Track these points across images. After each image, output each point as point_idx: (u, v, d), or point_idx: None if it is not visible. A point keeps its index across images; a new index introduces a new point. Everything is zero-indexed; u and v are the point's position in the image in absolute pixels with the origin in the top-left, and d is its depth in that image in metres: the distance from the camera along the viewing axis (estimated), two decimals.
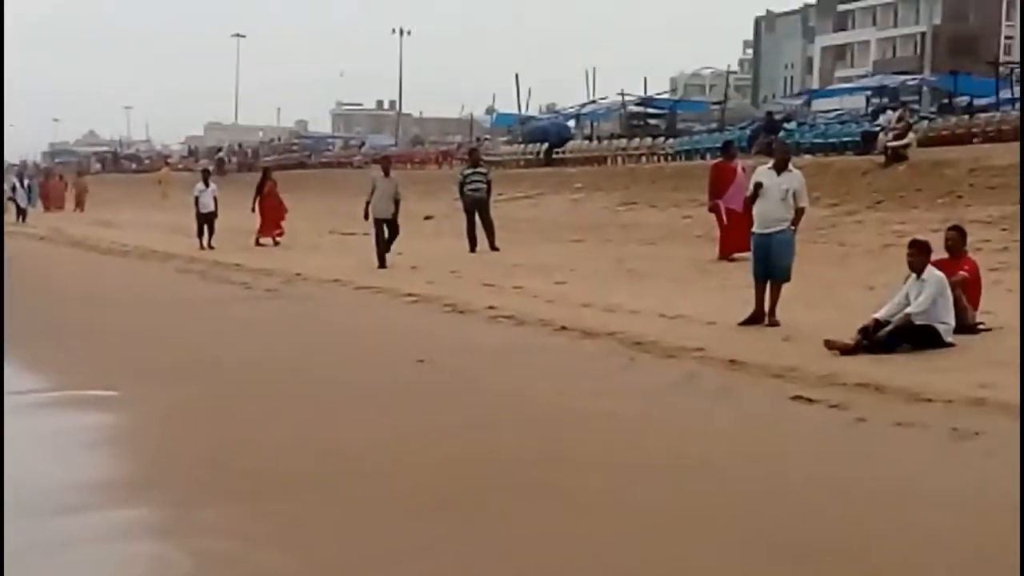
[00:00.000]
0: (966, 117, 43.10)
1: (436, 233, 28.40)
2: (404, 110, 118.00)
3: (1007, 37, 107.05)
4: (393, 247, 22.80)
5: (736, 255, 19.06)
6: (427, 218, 31.35)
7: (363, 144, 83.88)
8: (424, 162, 63.01)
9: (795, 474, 7.74)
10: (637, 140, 49.64)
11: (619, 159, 47.88)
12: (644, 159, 46.35)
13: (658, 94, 68.19)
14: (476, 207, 24.84)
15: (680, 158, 44.55)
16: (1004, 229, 20.92)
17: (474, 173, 25.50)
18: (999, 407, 9.13)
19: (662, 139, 49.36)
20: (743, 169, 20.24)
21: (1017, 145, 31.39)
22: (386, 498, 7.37)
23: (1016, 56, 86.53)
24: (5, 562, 6.12)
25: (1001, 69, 51.15)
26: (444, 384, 11.15)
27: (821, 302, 14.94)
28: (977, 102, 49.88)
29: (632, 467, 7.96)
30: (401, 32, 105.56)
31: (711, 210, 21.50)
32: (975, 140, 37.55)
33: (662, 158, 45.85)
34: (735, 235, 18.78)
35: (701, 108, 68.53)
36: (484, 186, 25.12)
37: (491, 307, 16.04)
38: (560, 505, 7.08)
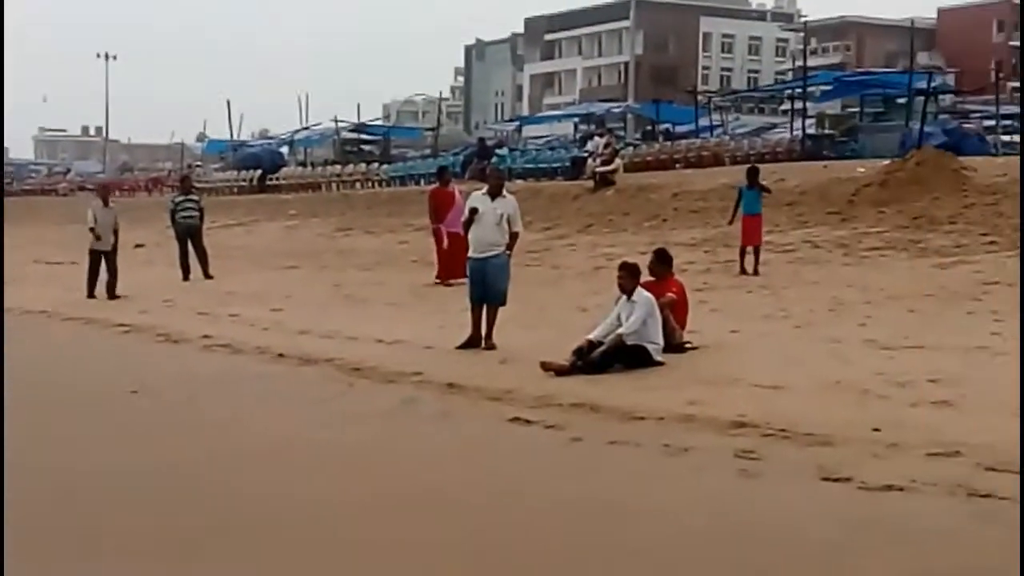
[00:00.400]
0: (668, 143, 44.80)
1: (148, 262, 27.64)
2: (111, 136, 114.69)
3: (704, 67, 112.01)
4: (117, 286, 21.86)
5: (453, 281, 19.20)
6: (138, 246, 30.48)
7: (68, 171, 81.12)
8: (133, 189, 61.51)
9: (515, 495, 7.83)
10: (351, 166, 49.65)
11: (334, 185, 47.78)
12: (359, 185, 46.38)
13: (371, 120, 68.35)
14: (189, 235, 24.31)
15: (395, 184, 44.77)
16: (707, 251, 21.81)
17: (186, 200, 24.95)
18: (707, 423, 9.47)
19: (376, 165, 49.51)
20: (460, 193, 20.48)
21: (714, 170, 32.81)
22: (98, 538, 7.08)
23: (713, 86, 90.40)
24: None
25: (700, 98, 53.29)
26: (159, 415, 10.84)
27: (536, 324, 15.21)
28: (678, 129, 51.94)
29: (359, 500, 7.88)
30: (107, 56, 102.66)
31: (434, 233, 21.62)
32: (677, 165, 39.06)
33: (376, 184, 45.98)
34: (454, 261, 18.92)
35: (415, 134, 69.12)
36: (197, 214, 24.61)
37: (206, 336, 15.71)
38: (287, 546, 6.91)
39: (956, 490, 7.21)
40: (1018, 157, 27.71)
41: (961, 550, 6.36)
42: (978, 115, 51.11)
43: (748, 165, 23.54)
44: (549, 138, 59.77)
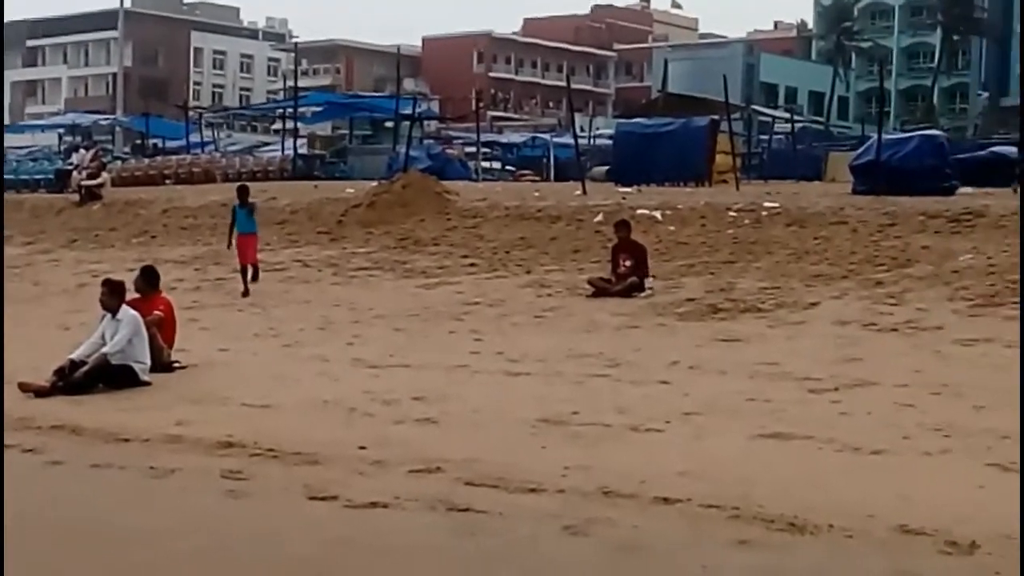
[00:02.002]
0: (158, 158, 43.95)
1: None
2: None
3: (196, 83, 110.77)
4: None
5: None
6: None
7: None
8: None
9: None
10: None
11: None
12: None
13: None
14: None
15: None
16: (197, 269, 21.55)
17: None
18: (195, 443, 9.32)
19: None
20: None
21: (206, 187, 32.48)
22: None
23: (204, 101, 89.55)
24: None
25: (191, 113, 52.63)
26: None
27: (15, 344, 14.44)
28: (168, 144, 51.01)
29: None
30: None
31: None
32: (168, 181, 38.39)
33: None
34: None
35: None
36: None
37: None
38: None
39: (437, 505, 7.46)
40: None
41: (440, 563, 6.58)
42: (460, 141, 53.56)
43: (239, 183, 23.45)
44: (32, 149, 57.12)
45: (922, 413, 9.88)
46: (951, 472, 8.14)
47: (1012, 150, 33.67)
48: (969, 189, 28.79)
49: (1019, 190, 24.45)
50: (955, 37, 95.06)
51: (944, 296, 15.99)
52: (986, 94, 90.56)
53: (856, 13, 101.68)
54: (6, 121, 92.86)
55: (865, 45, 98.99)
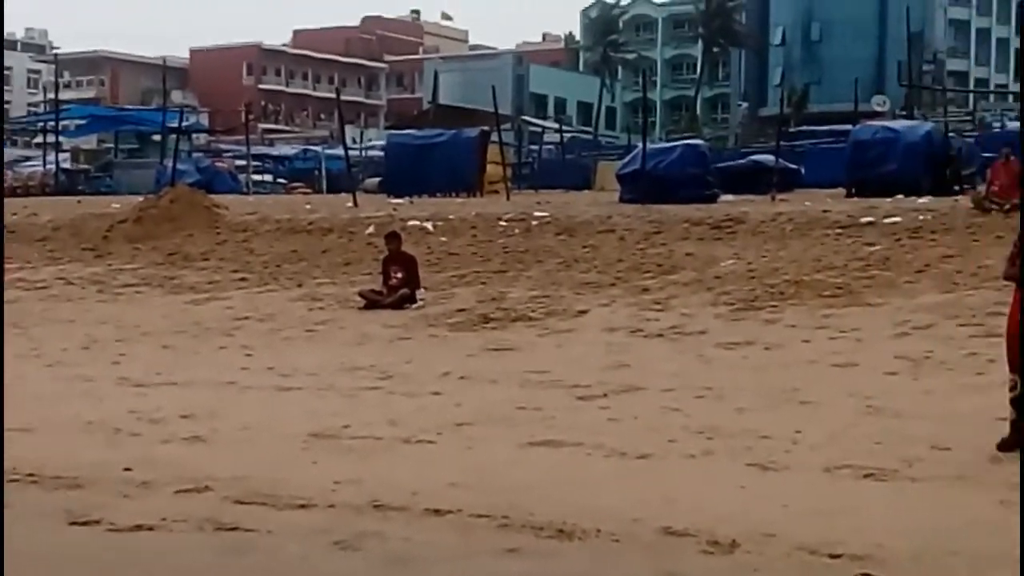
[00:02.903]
0: None
1: None
2: None
3: None
4: None
5: None
6: None
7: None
8: None
9: None
10: None
11: None
12: None
13: None
14: None
15: None
16: None
17: None
18: None
19: None
20: None
21: None
22: None
23: None
24: None
25: None
26: None
27: None
28: None
29: None
30: None
31: None
32: None
33: None
34: None
35: None
36: None
37: None
38: None
39: (205, 525, 7.32)
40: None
41: None
42: (230, 154, 52.80)
43: None
44: None
45: (687, 416, 10.15)
46: (713, 473, 8.38)
47: (770, 158, 34.90)
48: (730, 196, 29.78)
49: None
50: (715, 49, 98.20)
51: (707, 301, 16.48)
52: (745, 104, 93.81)
53: (621, 25, 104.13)
54: None
55: (630, 57, 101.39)
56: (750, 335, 14.21)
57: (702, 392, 11.21)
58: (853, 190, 30.51)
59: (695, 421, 9.93)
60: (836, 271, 17.65)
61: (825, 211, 23.50)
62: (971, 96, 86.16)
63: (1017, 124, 59.42)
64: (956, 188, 29.82)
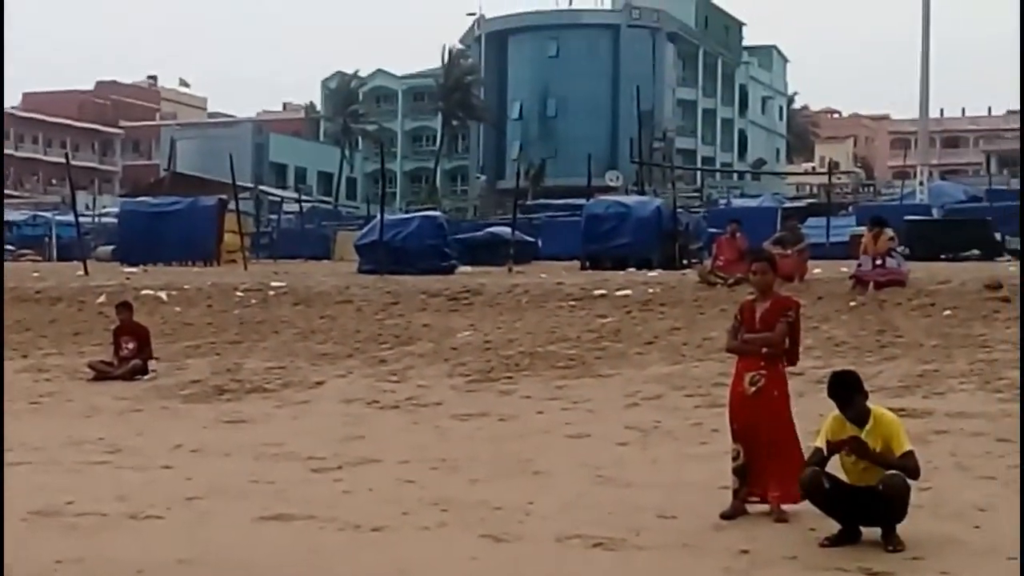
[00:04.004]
0: None
1: None
2: None
3: None
4: None
5: None
6: None
7: None
8: None
9: None
10: None
11: None
12: None
13: None
14: None
15: None
16: None
17: None
18: None
19: None
20: None
21: None
22: None
23: None
24: None
25: None
26: None
27: None
28: None
29: None
30: None
31: None
32: None
33: None
34: None
35: None
36: None
37: None
38: None
39: None
40: None
41: None
42: None
43: None
44: None
45: (421, 488, 10.16)
46: (447, 545, 8.40)
47: (507, 230, 35.57)
48: (468, 268, 30.15)
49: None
50: (454, 122, 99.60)
51: (444, 372, 16.58)
52: (484, 177, 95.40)
53: (361, 97, 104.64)
54: None
55: (371, 128, 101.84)
56: (485, 406, 14.33)
57: (437, 464, 11.24)
58: (587, 263, 31.33)
59: (430, 493, 9.95)
60: (570, 343, 18.03)
61: (559, 283, 24.02)
62: (699, 173, 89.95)
63: (742, 200, 62.43)
64: (684, 262, 30.93)
